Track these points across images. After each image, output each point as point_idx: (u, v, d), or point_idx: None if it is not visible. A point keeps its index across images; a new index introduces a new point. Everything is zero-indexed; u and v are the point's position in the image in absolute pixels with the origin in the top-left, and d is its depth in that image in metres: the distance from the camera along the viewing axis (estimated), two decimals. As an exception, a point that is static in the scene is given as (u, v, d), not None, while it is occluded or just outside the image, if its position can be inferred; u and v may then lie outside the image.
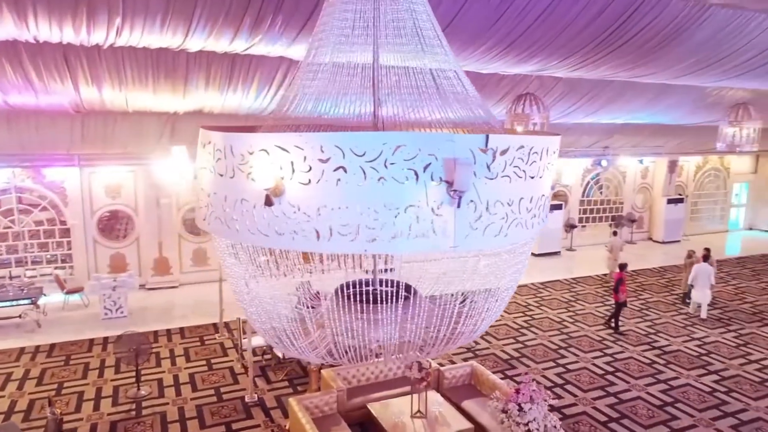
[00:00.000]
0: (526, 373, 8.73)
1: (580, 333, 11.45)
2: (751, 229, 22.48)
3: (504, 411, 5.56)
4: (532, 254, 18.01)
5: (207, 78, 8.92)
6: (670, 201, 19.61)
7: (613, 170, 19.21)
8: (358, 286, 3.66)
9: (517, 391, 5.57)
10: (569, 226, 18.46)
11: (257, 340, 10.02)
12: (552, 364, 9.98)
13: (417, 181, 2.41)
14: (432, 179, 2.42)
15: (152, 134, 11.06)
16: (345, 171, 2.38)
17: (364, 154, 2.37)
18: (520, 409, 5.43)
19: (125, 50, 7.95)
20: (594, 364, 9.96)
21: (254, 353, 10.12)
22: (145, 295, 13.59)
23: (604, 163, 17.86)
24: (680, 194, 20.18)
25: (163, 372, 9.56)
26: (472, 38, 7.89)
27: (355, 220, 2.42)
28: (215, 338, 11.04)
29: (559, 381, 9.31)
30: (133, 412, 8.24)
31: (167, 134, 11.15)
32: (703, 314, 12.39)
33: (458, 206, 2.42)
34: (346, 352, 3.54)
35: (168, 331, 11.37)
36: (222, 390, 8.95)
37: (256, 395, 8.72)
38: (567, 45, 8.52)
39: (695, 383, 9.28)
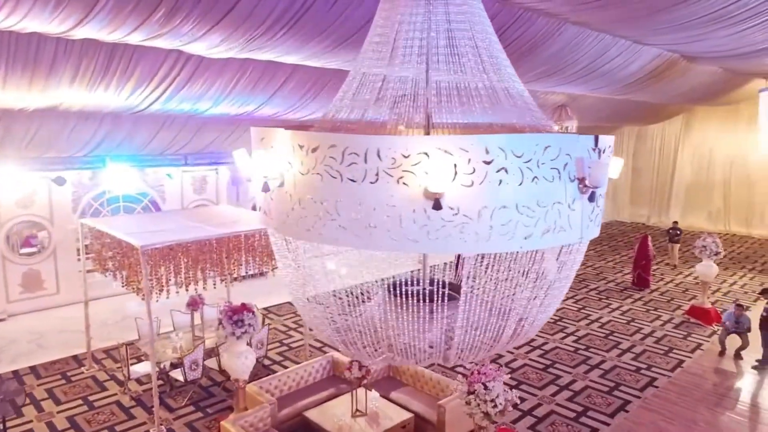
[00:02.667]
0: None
1: (457, 315, 12.50)
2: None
3: (471, 392, 5.94)
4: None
5: (76, 71, 7.64)
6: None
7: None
8: (408, 286, 3.67)
9: (479, 372, 6.00)
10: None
11: (144, 367, 8.96)
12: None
13: (560, 179, 2.60)
14: (569, 177, 2.64)
15: (-22, 137, 9.11)
16: (506, 172, 2.47)
17: (522, 155, 2.48)
18: (486, 387, 5.87)
19: (-26, 34, 6.45)
20: (480, 341, 10.99)
21: (140, 382, 9.05)
22: (-37, 334, 11.05)
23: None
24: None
25: (30, 421, 7.98)
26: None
27: (514, 218, 2.52)
28: (83, 372, 9.52)
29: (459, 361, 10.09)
30: (10, 476, 6.79)
31: (-2, 136, 9.29)
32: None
33: (592, 201, 2.68)
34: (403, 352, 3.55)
35: (15, 372, 9.47)
36: (118, 429, 7.82)
37: (163, 426, 7.81)
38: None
39: (562, 345, 10.86)
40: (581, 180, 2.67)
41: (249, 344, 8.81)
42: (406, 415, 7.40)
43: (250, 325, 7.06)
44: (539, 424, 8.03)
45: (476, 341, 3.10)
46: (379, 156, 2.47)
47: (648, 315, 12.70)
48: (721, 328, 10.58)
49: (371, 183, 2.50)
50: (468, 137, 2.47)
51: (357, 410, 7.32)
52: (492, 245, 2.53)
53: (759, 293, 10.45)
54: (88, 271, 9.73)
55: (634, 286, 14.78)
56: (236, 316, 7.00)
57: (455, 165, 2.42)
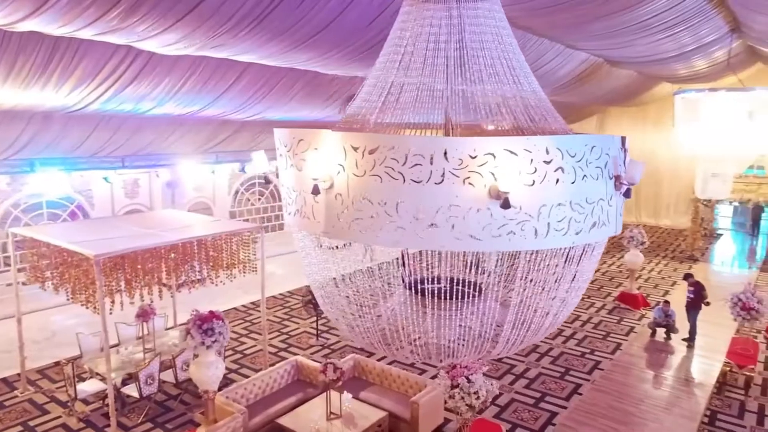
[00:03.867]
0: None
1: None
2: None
3: (455, 386, 6.09)
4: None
5: (11, 67, 6.97)
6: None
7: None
8: (429, 283, 3.74)
9: (462, 366, 6.16)
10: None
11: (91, 385, 8.35)
12: (402, 343, 10.91)
13: (602, 177, 2.77)
14: (608, 175, 2.81)
15: None
16: (563, 171, 2.60)
17: (575, 155, 2.62)
18: (469, 380, 6.05)
19: None
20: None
21: (86, 402, 8.42)
22: None
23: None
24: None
25: (-36, 454, 7.23)
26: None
27: (568, 215, 2.66)
28: (17, 396, 8.71)
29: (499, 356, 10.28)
30: None
31: None
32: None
33: (628, 196, 2.87)
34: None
35: (-65, 401, 8.50)
36: (70, 454, 7.26)
37: (121, 447, 7.34)
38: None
39: (511, 336, 11.34)
40: (617, 177, 2.86)
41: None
42: (381, 414, 7.44)
43: (220, 333, 6.80)
44: (503, 412, 8.36)
45: (520, 336, 3.22)
46: (446, 157, 2.51)
47: (583, 303, 13.54)
48: (651, 317, 11.37)
49: (436, 184, 2.54)
50: (531, 138, 2.57)
51: (331, 413, 7.26)
52: (549, 242, 2.65)
53: (683, 278, 11.45)
54: (10, 284, 8.91)
55: (566, 277, 15.67)
56: (206, 324, 6.71)
57: (519, 165, 2.52)
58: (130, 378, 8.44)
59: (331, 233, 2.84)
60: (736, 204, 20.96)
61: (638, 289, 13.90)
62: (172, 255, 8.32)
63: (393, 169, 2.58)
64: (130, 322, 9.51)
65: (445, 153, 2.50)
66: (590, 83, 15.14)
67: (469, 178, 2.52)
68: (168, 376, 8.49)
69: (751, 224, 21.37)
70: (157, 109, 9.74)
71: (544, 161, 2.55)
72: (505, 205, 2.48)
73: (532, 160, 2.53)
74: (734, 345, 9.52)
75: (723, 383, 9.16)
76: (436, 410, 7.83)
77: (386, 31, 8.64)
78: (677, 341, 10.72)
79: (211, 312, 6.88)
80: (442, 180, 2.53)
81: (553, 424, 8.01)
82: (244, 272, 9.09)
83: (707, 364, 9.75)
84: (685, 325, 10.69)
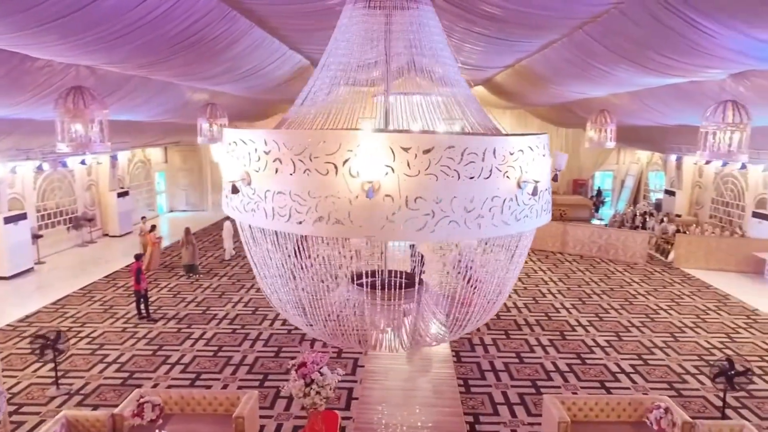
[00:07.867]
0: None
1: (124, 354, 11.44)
2: (172, 211, 25.94)
3: (309, 383, 6.06)
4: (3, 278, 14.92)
5: None
6: (119, 195, 20.31)
7: (62, 170, 18.04)
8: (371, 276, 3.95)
9: (312, 362, 6.19)
10: (35, 237, 16.29)
11: None
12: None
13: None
14: (547, 165, 3.60)
15: None
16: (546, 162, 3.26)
17: (544, 148, 3.32)
18: (321, 374, 6.14)
19: None
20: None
21: None
22: None
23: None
24: (122, 187, 21.08)
25: None
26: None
27: (547, 198, 3.34)
28: None
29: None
30: None
31: None
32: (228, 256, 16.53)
33: (556, 180, 3.71)
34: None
35: None
36: None
37: None
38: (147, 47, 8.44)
39: (219, 330, 11.52)
40: (549, 166, 3.68)
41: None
42: (210, 440, 6.81)
43: (-4, 404, 5.06)
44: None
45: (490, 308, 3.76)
46: (494, 154, 2.82)
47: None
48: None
49: (485, 178, 2.82)
50: (540, 137, 3.12)
51: (152, 458, 6.29)
52: (543, 220, 3.26)
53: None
54: None
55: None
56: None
57: (533, 159, 3.03)
58: None
59: (380, 235, 2.79)
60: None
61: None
62: None
63: (449, 167, 2.76)
64: None
65: (494, 150, 2.84)
66: (296, 84, 16.23)
67: (507, 171, 2.92)
68: None
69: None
70: None
71: (542, 155, 3.16)
72: (535, 192, 2.99)
73: (538, 153, 3.11)
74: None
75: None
76: (255, 420, 7.58)
77: (146, 19, 7.82)
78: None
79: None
80: (490, 175, 2.86)
81: (356, 398, 8.73)
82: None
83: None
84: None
